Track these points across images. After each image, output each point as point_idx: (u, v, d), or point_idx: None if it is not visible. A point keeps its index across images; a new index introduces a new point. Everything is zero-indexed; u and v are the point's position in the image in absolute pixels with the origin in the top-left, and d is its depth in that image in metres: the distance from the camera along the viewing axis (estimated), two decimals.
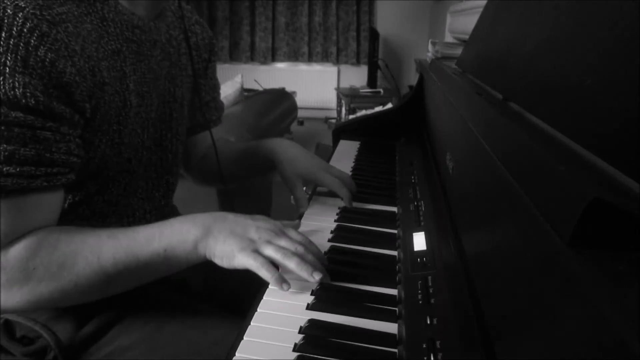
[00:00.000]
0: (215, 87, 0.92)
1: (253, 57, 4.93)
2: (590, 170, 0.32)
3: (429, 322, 0.47)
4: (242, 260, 0.56)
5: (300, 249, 0.58)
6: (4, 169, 0.52)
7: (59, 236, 0.57)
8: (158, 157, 0.77)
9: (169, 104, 0.76)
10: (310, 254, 0.58)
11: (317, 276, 0.56)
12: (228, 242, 0.57)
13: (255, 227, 0.59)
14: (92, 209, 0.69)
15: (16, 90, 0.51)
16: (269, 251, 0.57)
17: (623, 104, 0.33)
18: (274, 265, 0.57)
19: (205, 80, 0.89)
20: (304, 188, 0.83)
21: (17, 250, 0.54)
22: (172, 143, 0.79)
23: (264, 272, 0.55)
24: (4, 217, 0.53)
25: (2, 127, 0.51)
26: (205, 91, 0.89)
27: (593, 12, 0.44)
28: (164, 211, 0.82)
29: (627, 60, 0.34)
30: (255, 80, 4.03)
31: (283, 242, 0.58)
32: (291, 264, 0.56)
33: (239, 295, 0.81)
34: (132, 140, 0.68)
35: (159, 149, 0.76)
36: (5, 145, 0.52)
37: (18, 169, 0.52)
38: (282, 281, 0.55)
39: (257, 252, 0.57)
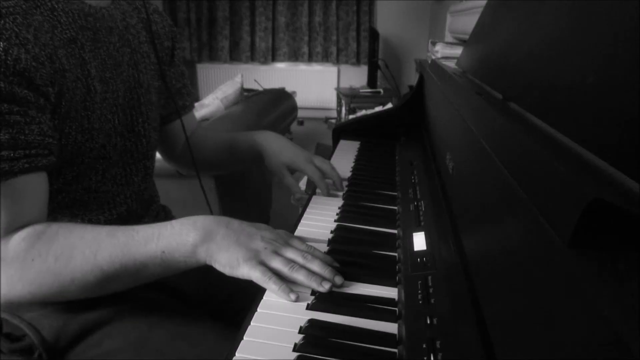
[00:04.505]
0: (183, 74, 0.93)
1: (253, 57, 4.93)
2: (590, 170, 0.32)
3: (429, 322, 0.47)
4: (248, 271, 0.55)
5: (308, 257, 0.58)
6: None
7: (58, 230, 0.57)
8: (132, 142, 0.77)
9: (135, 90, 0.77)
10: (316, 261, 0.58)
11: (326, 285, 0.55)
12: (232, 251, 0.56)
13: (260, 236, 0.59)
14: (72, 197, 0.69)
15: None
16: (276, 263, 0.56)
17: (623, 104, 0.33)
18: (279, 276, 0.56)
19: (173, 68, 0.90)
20: (303, 188, 0.85)
21: (16, 242, 0.55)
22: (145, 128, 0.79)
23: (272, 286, 0.54)
24: None
25: None
26: (176, 79, 0.91)
27: (593, 11, 0.44)
28: (144, 195, 0.83)
29: (628, 60, 0.34)
30: (255, 80, 4.03)
31: (289, 254, 0.58)
32: (299, 276, 0.56)
33: (233, 301, 0.81)
34: (103, 126, 0.69)
35: (132, 135, 0.77)
36: None
37: None
38: (289, 291, 0.54)
39: (263, 264, 0.56)
